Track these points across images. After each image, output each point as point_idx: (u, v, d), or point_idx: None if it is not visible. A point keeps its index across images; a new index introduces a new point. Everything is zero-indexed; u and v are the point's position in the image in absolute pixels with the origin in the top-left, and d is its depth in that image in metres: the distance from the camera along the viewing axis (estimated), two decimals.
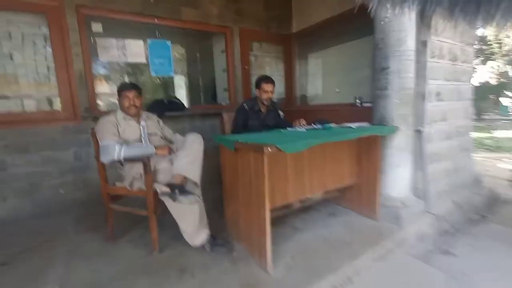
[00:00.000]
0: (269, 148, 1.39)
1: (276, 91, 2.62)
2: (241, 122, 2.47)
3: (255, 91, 2.52)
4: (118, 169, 1.97)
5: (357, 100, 2.92)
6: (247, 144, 1.58)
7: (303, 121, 2.34)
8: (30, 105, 2.67)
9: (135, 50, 3.14)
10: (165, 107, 3.16)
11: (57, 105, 2.75)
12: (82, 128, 2.79)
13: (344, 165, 2.19)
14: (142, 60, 3.19)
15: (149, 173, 1.73)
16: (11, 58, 2.54)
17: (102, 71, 3.11)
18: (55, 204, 2.68)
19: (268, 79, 2.45)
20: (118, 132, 1.86)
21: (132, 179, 1.85)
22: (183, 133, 2.10)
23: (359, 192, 2.29)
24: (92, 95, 2.89)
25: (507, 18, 0.48)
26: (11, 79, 2.57)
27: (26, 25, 2.57)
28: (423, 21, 1.76)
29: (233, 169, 1.86)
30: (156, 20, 3.13)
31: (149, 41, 3.20)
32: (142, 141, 1.93)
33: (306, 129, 2.13)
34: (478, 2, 0.47)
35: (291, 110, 3.83)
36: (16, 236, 2.16)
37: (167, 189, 1.70)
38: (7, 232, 2.24)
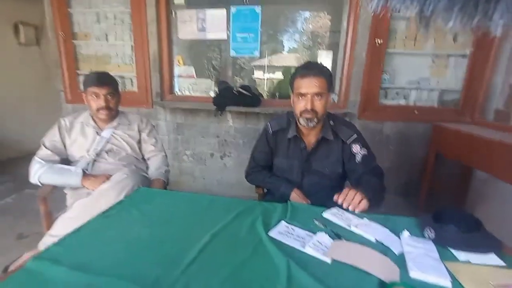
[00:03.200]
0: None
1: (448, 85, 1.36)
2: (259, 156, 1.30)
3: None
4: None
5: None
6: None
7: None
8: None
9: (216, 22, 2.47)
10: (232, 99, 2.37)
11: (136, 87, 2.68)
12: (152, 114, 2.62)
13: None
14: (223, 35, 2.49)
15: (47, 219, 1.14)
16: (106, 39, 2.64)
17: (180, 51, 2.71)
18: None
19: (310, 70, 1.07)
20: (64, 145, 1.36)
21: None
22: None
23: None
24: (165, 79, 2.60)
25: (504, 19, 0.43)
26: (107, 60, 2.70)
27: (117, 3, 2.53)
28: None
29: None
30: None
31: (232, 9, 2.42)
32: (86, 160, 1.34)
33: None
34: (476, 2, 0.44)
35: (463, 134, 1.89)
36: None
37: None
38: None
